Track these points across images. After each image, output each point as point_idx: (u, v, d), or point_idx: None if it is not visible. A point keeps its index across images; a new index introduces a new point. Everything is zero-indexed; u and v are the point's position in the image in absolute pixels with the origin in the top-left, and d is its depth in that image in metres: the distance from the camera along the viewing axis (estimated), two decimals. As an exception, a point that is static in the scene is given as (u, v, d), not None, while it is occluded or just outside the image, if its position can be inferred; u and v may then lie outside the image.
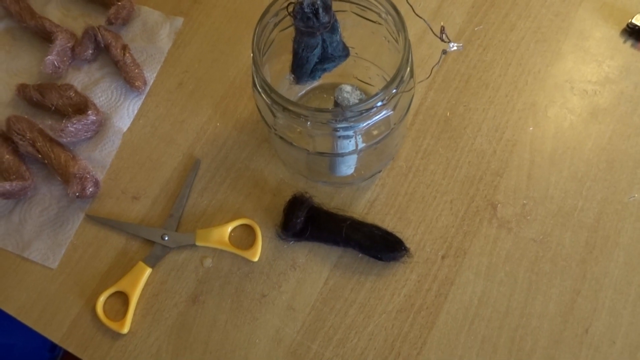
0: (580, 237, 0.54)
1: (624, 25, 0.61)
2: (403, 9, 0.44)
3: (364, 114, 0.42)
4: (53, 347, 0.93)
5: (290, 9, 0.42)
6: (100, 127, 0.60)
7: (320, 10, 0.41)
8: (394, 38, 0.46)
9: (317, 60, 0.46)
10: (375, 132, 0.46)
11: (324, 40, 0.44)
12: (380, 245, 0.53)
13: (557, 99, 0.59)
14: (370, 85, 0.55)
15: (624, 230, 0.53)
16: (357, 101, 0.45)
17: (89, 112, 0.58)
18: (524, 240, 0.54)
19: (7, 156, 0.57)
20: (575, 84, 0.60)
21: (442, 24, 0.44)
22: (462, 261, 0.53)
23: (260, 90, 0.43)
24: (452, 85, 0.60)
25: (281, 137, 0.47)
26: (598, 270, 0.52)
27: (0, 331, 0.87)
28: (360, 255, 0.54)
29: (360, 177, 0.55)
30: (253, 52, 0.43)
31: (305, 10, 0.41)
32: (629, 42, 0.61)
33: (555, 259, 0.53)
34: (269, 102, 0.43)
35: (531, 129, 0.58)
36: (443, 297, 0.52)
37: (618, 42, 0.61)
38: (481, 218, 0.55)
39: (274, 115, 0.45)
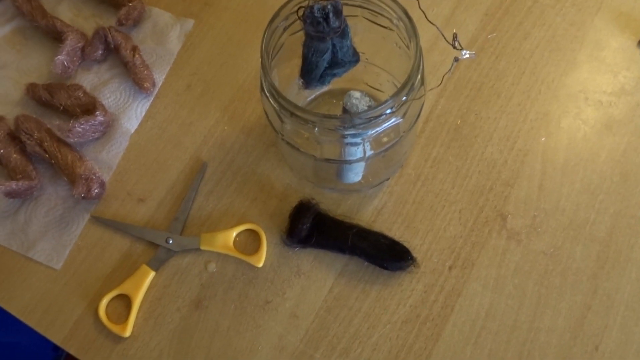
0: (592, 251, 0.52)
1: (641, 36, 0.60)
2: (415, 15, 0.43)
3: (373, 121, 0.41)
4: (57, 346, 0.93)
5: (301, 13, 0.41)
6: (108, 128, 0.59)
7: (331, 15, 0.40)
8: (405, 44, 0.45)
9: (327, 66, 0.45)
10: (384, 140, 0.45)
11: (334, 45, 0.43)
12: (387, 254, 0.52)
13: (570, 109, 0.58)
14: (380, 91, 0.54)
15: (637, 245, 0.52)
16: (365, 108, 0.44)
17: (97, 112, 0.57)
18: (533, 252, 0.53)
19: (15, 155, 0.57)
20: (590, 94, 0.58)
21: (454, 31, 0.43)
22: (470, 272, 0.52)
23: (268, 94, 0.43)
24: (463, 93, 0.59)
25: (288, 143, 0.46)
26: (610, 286, 0.51)
27: (6, 330, 0.88)
28: (366, 263, 0.53)
29: (368, 185, 0.55)
30: (261, 56, 0.42)
31: (316, 14, 0.40)
32: (646, 53, 0.60)
33: (566, 272, 0.52)
34: (276, 107, 0.43)
35: (543, 139, 0.57)
36: (449, 308, 0.51)
37: (635, 53, 0.60)
38: (490, 229, 0.54)
39: (282, 121, 0.44)
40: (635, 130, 0.57)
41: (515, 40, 0.61)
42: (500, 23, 0.62)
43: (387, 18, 0.45)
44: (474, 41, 0.61)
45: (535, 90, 0.59)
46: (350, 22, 0.43)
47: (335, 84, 0.48)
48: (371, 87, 0.54)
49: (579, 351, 0.49)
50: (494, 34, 0.61)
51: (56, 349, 0.94)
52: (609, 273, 0.51)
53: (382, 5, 0.44)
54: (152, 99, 0.61)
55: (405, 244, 0.52)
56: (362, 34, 0.47)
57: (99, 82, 0.62)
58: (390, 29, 0.45)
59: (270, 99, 0.43)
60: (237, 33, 0.64)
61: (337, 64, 0.45)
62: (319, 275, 0.53)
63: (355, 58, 0.46)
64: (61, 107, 0.59)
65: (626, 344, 0.49)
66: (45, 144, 0.57)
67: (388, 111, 0.41)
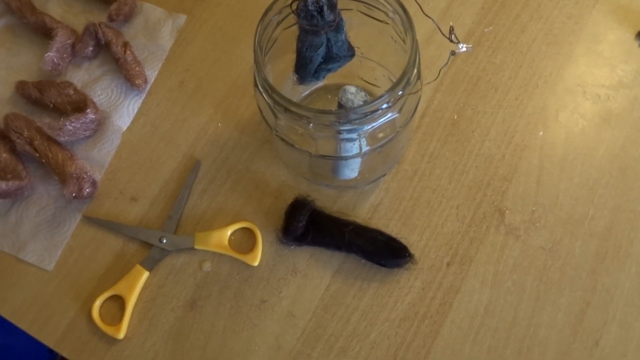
0: (591, 246, 0.52)
1: (639, 29, 0.59)
2: (411, 8, 0.43)
3: (369, 117, 0.40)
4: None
5: (294, 6, 0.40)
6: (100, 126, 0.58)
7: (325, 8, 0.39)
8: (401, 38, 0.44)
9: (322, 60, 0.44)
10: (380, 135, 0.45)
11: (328, 40, 0.43)
12: (384, 252, 0.51)
13: (568, 103, 0.57)
14: (376, 86, 0.54)
15: (637, 240, 0.52)
16: (361, 103, 0.43)
17: (88, 110, 0.56)
18: (532, 248, 0.52)
19: (4, 155, 0.56)
20: (588, 88, 0.58)
21: (451, 24, 0.43)
22: (468, 269, 0.52)
23: (261, 90, 0.42)
24: (460, 88, 0.58)
25: (283, 139, 0.46)
26: (609, 281, 0.51)
27: (1, 332, 0.86)
28: (363, 261, 0.52)
29: (364, 181, 0.54)
30: (255, 51, 0.41)
31: (310, 8, 0.39)
32: (644, 46, 0.59)
33: (565, 268, 0.51)
34: (270, 103, 0.42)
35: (541, 133, 0.56)
36: (448, 305, 0.51)
37: (633, 46, 0.59)
38: (488, 224, 0.53)
39: (276, 117, 0.43)
40: (633, 123, 0.56)
41: (512, 33, 0.60)
42: (497, 16, 0.61)
43: (383, 11, 0.44)
44: (471, 35, 0.60)
45: (533, 84, 0.58)
46: (345, 15, 0.42)
47: (330, 79, 0.47)
48: (367, 82, 0.54)
49: (579, 347, 0.49)
50: (491, 28, 0.61)
51: (51, 350, 0.93)
52: (608, 268, 0.51)
53: (378, -2, 0.43)
54: (144, 95, 0.60)
55: (403, 241, 0.52)
56: (357, 27, 0.46)
57: (89, 79, 0.61)
58: (386, 23, 0.45)
59: (264, 95, 0.42)
60: (230, 28, 0.63)
61: (332, 59, 0.44)
62: (316, 273, 0.52)
63: (350, 52, 0.45)
64: (51, 105, 0.58)
65: (626, 340, 0.49)
66: (36, 142, 0.56)
67: (384, 106, 0.40)
